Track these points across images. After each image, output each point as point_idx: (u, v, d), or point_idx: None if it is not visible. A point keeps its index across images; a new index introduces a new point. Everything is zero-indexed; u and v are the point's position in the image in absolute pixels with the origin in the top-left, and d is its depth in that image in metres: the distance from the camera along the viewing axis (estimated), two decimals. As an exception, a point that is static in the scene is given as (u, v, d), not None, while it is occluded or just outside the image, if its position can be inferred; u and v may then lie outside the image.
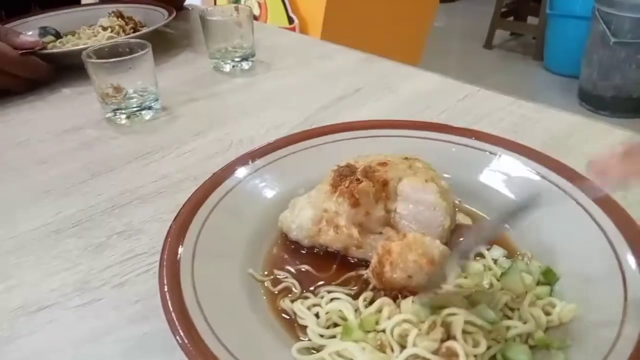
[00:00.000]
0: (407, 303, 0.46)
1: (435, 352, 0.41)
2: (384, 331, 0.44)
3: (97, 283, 0.59)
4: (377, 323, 0.45)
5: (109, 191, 0.74)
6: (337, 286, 0.52)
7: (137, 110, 0.92)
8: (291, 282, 0.53)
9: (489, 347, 0.43)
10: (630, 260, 0.48)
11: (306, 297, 0.51)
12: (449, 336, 0.43)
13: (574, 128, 0.86)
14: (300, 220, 0.56)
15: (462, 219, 0.62)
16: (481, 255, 0.54)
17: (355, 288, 0.52)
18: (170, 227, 0.54)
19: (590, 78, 3.31)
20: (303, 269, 0.56)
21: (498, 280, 0.50)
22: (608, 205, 0.53)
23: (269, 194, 0.63)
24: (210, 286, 0.49)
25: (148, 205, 0.71)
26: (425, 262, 0.46)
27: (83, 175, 0.78)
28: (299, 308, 0.49)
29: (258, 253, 0.57)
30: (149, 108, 0.93)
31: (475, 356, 0.42)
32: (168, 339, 0.44)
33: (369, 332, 0.44)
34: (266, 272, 0.55)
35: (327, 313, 0.48)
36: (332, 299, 0.50)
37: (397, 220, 0.53)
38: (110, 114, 0.92)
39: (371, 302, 0.48)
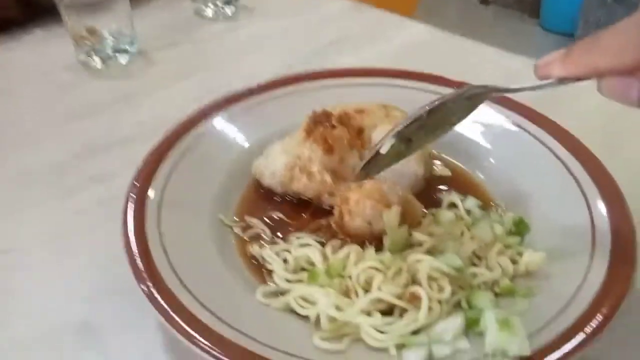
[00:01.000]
0: (372, 251, 0.46)
1: (399, 297, 0.41)
2: (350, 277, 0.44)
3: (67, 227, 0.58)
4: (344, 269, 0.45)
5: (83, 136, 0.72)
6: (308, 234, 0.51)
7: (113, 54, 0.89)
8: (261, 228, 0.52)
9: (453, 294, 0.43)
10: (601, 207, 0.48)
11: (275, 244, 0.51)
12: (414, 282, 0.43)
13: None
14: (274, 166, 0.55)
15: (441, 171, 0.62)
16: (454, 205, 0.53)
17: (325, 236, 0.51)
18: (138, 169, 0.53)
19: (586, 37, 3.26)
20: (276, 217, 0.55)
21: (469, 229, 0.49)
22: (582, 155, 0.52)
23: (244, 140, 0.61)
24: (178, 231, 0.49)
25: (122, 150, 0.69)
26: (382, 206, 0.46)
27: (56, 119, 0.76)
28: (268, 254, 0.49)
29: (230, 199, 0.56)
30: (125, 52, 0.90)
31: (439, 302, 0.42)
32: (134, 285, 0.43)
33: (335, 277, 0.44)
34: (237, 218, 0.54)
35: (295, 259, 0.47)
36: (301, 245, 0.49)
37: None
38: (84, 57, 0.88)
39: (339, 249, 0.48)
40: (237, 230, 0.53)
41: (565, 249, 0.47)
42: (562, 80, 0.38)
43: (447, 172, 0.61)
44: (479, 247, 0.46)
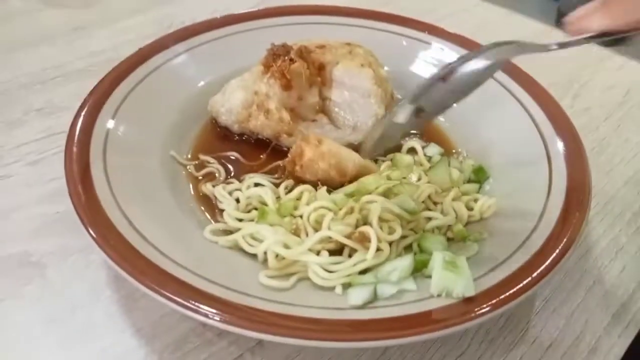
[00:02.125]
0: (324, 190, 0.44)
1: (349, 237, 0.40)
2: (301, 217, 0.43)
3: (9, 159, 0.54)
4: (295, 209, 0.43)
5: (30, 66, 0.67)
6: (263, 174, 0.50)
7: (68, -19, 0.82)
8: (216, 167, 0.50)
9: (405, 236, 0.42)
10: (560, 159, 0.47)
11: (229, 183, 0.49)
12: (365, 223, 0.42)
13: (535, 34, 0.83)
14: (230, 103, 0.52)
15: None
16: (414, 150, 0.52)
17: (282, 177, 0.50)
18: (84, 102, 0.49)
19: (570, 1, 3.22)
20: (232, 157, 0.53)
21: (426, 174, 0.48)
22: (543, 99, 0.52)
23: (201, 76, 0.58)
24: (126, 167, 0.46)
25: (72, 83, 0.65)
26: (335, 173, 0.45)
27: (3, 47, 0.71)
28: (220, 192, 0.47)
29: (184, 137, 0.54)
30: (83, -21, 0.83)
31: (389, 243, 0.41)
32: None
33: (285, 216, 0.43)
34: (190, 157, 0.52)
35: (247, 198, 0.46)
36: (255, 185, 0.47)
37: (331, 107, 0.50)
38: (37, -17, 0.82)
39: (292, 189, 0.46)
40: (190, 168, 0.50)
41: (522, 196, 0.47)
42: (602, 35, 0.34)
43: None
44: (435, 192, 0.45)
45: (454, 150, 0.55)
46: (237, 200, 0.47)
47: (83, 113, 0.48)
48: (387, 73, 0.55)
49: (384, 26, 0.63)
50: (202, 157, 0.52)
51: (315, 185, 0.46)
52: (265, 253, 0.41)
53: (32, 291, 0.43)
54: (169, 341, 0.40)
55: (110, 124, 0.48)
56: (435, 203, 0.46)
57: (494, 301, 0.36)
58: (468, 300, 0.37)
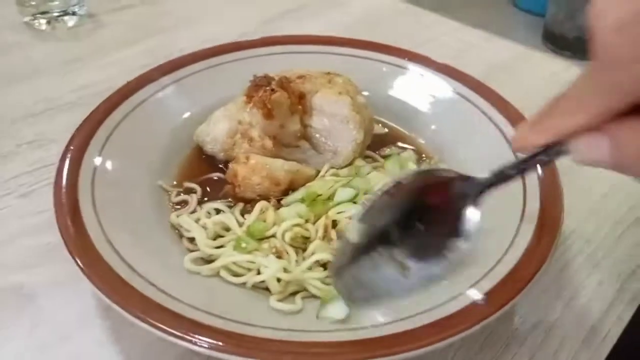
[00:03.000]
0: (287, 209, 0.47)
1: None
2: (274, 236, 0.45)
3: (2, 192, 0.56)
4: (265, 230, 0.45)
5: (23, 100, 0.69)
6: (219, 201, 0.51)
7: (59, 16, 0.85)
8: (188, 196, 0.52)
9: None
10: (533, 181, 0.49)
11: (194, 211, 0.50)
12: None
13: (517, 58, 0.85)
14: (215, 133, 0.54)
15: (378, 129, 0.61)
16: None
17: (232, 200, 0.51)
18: (73, 134, 0.51)
19: (556, 17, 3.28)
20: (215, 177, 0.55)
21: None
22: (515, 119, 0.54)
23: (187, 107, 0.60)
24: (113, 200, 0.47)
25: (63, 115, 0.67)
26: (268, 184, 0.48)
27: (-5, 81, 0.73)
28: (185, 221, 0.48)
29: (171, 167, 0.55)
30: (73, 14, 0.86)
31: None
32: None
33: (261, 241, 0.45)
34: (176, 184, 0.54)
35: (213, 225, 0.47)
36: (212, 211, 0.49)
37: (312, 134, 0.52)
38: (28, 19, 0.84)
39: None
40: (171, 195, 0.52)
41: (497, 214, 0.48)
42: (545, 151, 0.32)
43: (383, 130, 0.62)
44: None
45: (423, 155, 0.57)
46: (205, 227, 0.48)
47: (71, 149, 0.49)
48: (367, 99, 0.57)
49: (364, 53, 0.66)
50: (186, 184, 0.53)
51: (258, 201, 0.49)
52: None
53: (23, 321, 0.44)
54: (158, 367, 0.41)
55: (98, 159, 0.50)
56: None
57: (472, 318, 0.38)
58: (450, 317, 0.38)
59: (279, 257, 0.43)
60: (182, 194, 0.52)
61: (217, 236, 0.47)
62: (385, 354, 0.35)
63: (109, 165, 0.50)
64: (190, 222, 0.47)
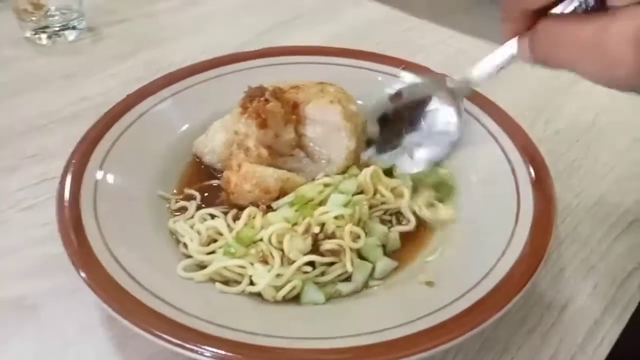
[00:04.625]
0: (275, 213, 0.48)
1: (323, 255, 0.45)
2: (261, 240, 0.46)
3: (4, 206, 0.57)
4: (253, 236, 0.47)
5: (24, 113, 0.70)
6: (214, 207, 0.52)
7: (60, 30, 0.86)
8: (188, 203, 0.53)
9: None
10: (527, 187, 0.50)
11: (192, 217, 0.51)
12: (325, 235, 0.45)
13: (513, 65, 0.86)
14: (213, 144, 0.55)
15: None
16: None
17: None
18: (75, 148, 0.52)
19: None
20: (214, 184, 0.56)
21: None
22: (507, 124, 0.56)
23: (185, 120, 0.61)
24: (115, 211, 0.48)
25: (64, 128, 0.68)
26: (259, 191, 0.49)
27: (-4, 96, 0.74)
28: (181, 227, 0.49)
29: (170, 178, 0.56)
30: (73, 28, 0.87)
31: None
32: None
33: (249, 246, 0.46)
34: (176, 192, 0.55)
35: (207, 229, 0.48)
36: (206, 217, 0.51)
37: (306, 143, 0.53)
38: (29, 34, 0.86)
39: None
40: (171, 203, 0.53)
41: (490, 220, 0.49)
42: None
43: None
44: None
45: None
46: (199, 232, 0.49)
47: (72, 163, 0.50)
48: (360, 107, 0.57)
49: (359, 63, 0.67)
50: (187, 190, 0.55)
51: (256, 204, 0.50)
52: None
53: (27, 331, 0.45)
54: (160, 377, 0.42)
55: (99, 173, 0.51)
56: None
57: (469, 322, 0.39)
58: (448, 322, 0.39)
59: (264, 261, 0.44)
60: (181, 201, 0.53)
61: (212, 241, 0.48)
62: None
63: (110, 178, 0.51)
64: (186, 228, 0.48)
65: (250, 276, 0.44)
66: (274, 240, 0.45)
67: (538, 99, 0.77)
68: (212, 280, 0.45)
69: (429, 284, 0.45)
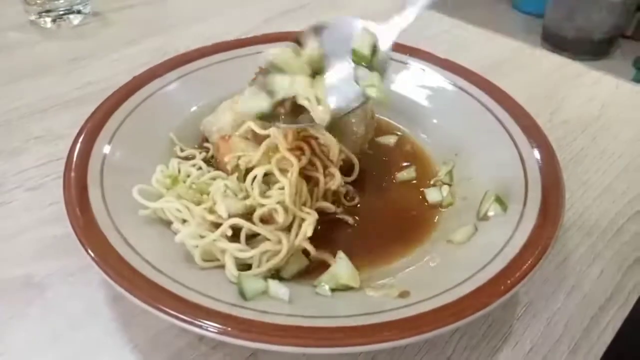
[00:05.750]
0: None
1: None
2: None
3: (10, 186, 0.57)
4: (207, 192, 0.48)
5: (29, 96, 0.70)
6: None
7: (65, 14, 0.86)
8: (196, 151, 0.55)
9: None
10: (534, 160, 0.51)
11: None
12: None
13: (516, 54, 0.86)
14: (221, 123, 0.55)
15: (384, 140, 0.62)
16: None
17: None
18: (81, 128, 0.52)
19: (555, 17, 3.30)
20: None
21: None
22: (515, 111, 0.55)
23: (194, 101, 0.61)
24: (122, 189, 0.48)
25: (70, 111, 0.68)
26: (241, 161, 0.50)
27: (2, 78, 0.74)
28: (172, 163, 0.52)
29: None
30: (78, 12, 0.87)
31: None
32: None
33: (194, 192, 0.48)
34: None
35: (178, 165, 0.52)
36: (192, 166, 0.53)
37: (315, 126, 0.53)
38: (34, 17, 0.85)
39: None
40: (177, 149, 0.56)
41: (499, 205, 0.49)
42: None
43: (389, 141, 0.63)
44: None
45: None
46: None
47: (80, 139, 0.50)
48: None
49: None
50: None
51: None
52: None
53: (34, 310, 0.45)
54: (167, 355, 0.42)
55: (107, 148, 0.51)
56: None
57: (476, 303, 0.38)
58: (455, 303, 0.39)
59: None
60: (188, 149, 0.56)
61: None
62: (394, 338, 0.36)
63: (117, 156, 0.51)
64: (174, 164, 0.52)
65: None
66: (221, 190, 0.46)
67: (545, 89, 0.77)
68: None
69: (433, 267, 0.45)
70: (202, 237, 0.44)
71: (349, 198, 0.54)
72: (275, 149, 0.48)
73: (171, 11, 0.94)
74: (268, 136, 0.49)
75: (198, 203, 0.46)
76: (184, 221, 0.46)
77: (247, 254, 0.44)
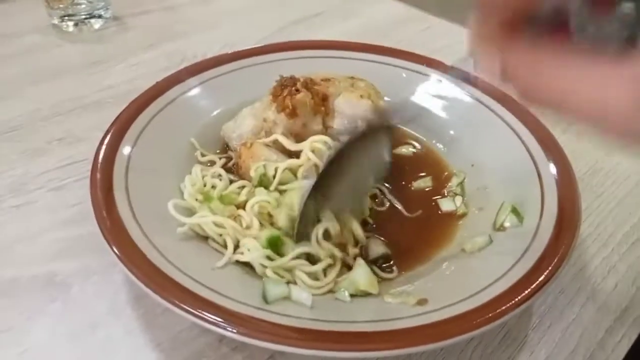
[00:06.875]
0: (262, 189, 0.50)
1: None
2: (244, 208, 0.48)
3: (33, 186, 0.58)
4: (235, 201, 0.49)
5: (51, 98, 0.71)
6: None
7: (86, 19, 0.87)
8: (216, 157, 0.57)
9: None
10: (550, 172, 0.52)
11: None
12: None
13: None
14: (241, 129, 0.56)
15: (405, 150, 0.63)
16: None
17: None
18: (108, 130, 0.53)
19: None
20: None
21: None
22: (531, 123, 0.56)
23: (215, 106, 0.62)
24: (146, 191, 0.49)
25: (90, 114, 0.69)
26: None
27: (24, 81, 0.75)
28: (195, 171, 0.53)
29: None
30: (99, 17, 0.89)
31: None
32: (100, 241, 0.43)
33: (227, 205, 0.48)
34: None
35: (204, 178, 0.52)
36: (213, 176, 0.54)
37: (334, 135, 0.54)
38: (56, 21, 0.87)
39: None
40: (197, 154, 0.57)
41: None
42: None
43: (408, 152, 0.63)
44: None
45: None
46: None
47: (106, 141, 0.51)
48: (387, 103, 0.58)
49: (385, 59, 0.67)
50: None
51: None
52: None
53: (57, 308, 0.46)
54: (187, 355, 0.43)
55: (132, 151, 0.52)
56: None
57: (494, 312, 0.39)
58: (472, 312, 0.39)
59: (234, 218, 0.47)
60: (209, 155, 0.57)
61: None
62: (411, 345, 0.37)
63: (141, 158, 0.52)
64: (198, 172, 0.52)
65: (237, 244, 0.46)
66: (255, 209, 0.47)
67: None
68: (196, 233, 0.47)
69: (450, 275, 0.45)
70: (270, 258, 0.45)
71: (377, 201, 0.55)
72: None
73: (188, 17, 0.96)
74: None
75: (231, 217, 0.47)
76: (220, 235, 0.47)
77: (314, 268, 0.45)
